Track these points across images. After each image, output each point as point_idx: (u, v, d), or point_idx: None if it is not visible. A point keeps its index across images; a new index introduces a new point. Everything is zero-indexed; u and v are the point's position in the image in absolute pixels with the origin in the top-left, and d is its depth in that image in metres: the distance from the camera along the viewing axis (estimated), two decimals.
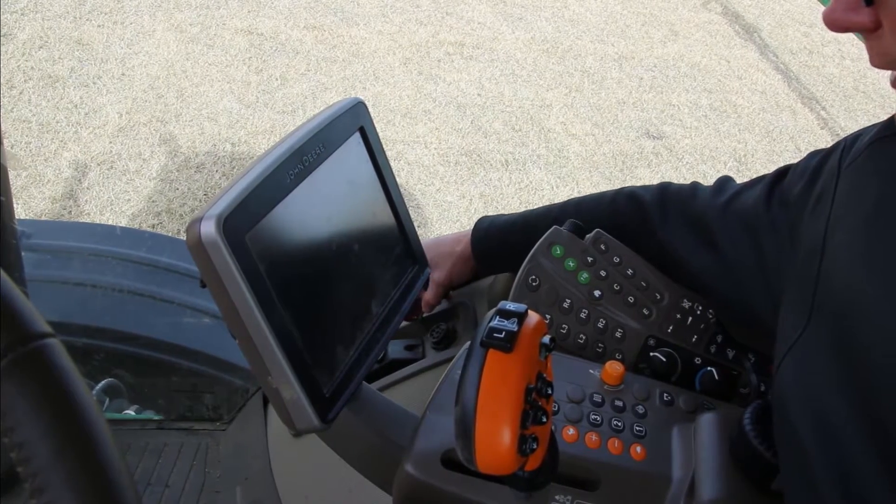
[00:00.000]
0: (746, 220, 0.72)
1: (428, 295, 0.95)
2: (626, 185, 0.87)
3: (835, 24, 0.45)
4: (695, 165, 3.54)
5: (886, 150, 0.55)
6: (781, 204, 0.69)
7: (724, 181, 0.80)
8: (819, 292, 0.54)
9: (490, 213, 0.94)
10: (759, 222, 0.70)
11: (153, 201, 2.71)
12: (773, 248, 0.68)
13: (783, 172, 0.73)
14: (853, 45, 4.65)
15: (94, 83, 3.17)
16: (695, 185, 0.82)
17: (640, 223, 0.81)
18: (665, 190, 0.82)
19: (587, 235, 0.80)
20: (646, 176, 3.39)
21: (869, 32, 0.45)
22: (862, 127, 0.64)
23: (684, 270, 0.79)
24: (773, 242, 0.68)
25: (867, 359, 0.47)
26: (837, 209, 0.57)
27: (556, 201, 0.92)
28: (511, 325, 0.45)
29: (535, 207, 0.91)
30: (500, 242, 0.88)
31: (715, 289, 0.76)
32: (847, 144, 0.63)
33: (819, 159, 0.67)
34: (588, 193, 0.90)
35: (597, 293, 0.77)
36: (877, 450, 0.45)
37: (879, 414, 0.45)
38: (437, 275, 0.93)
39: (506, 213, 0.93)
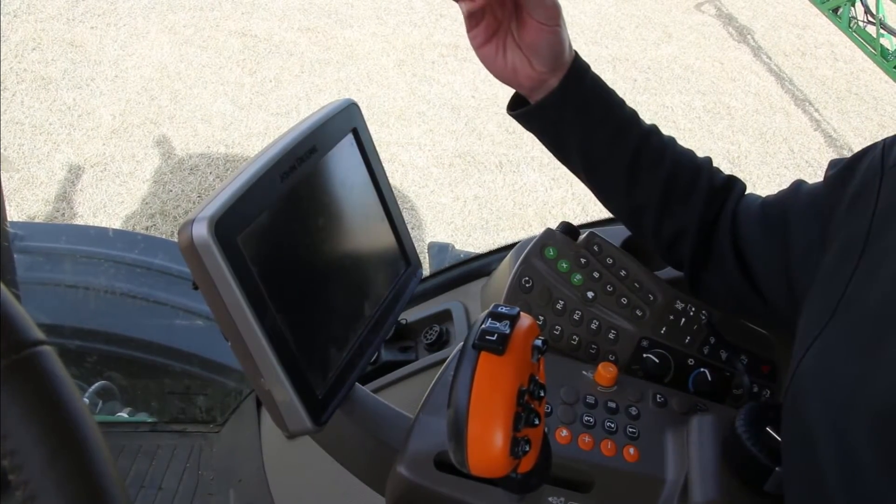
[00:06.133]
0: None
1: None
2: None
3: None
4: None
5: None
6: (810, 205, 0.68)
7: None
8: (850, 290, 0.54)
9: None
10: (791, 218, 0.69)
11: (146, 203, 2.70)
12: (800, 246, 0.67)
13: None
14: (846, 47, 4.67)
15: (88, 85, 3.16)
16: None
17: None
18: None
19: (580, 237, 0.80)
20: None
21: None
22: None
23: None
24: (801, 241, 0.67)
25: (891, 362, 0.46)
26: (883, 208, 0.56)
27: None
28: (503, 327, 0.45)
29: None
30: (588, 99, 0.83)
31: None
32: (888, 143, 0.62)
33: (850, 160, 0.65)
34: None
35: (590, 294, 0.77)
36: (886, 451, 0.45)
37: (894, 416, 0.45)
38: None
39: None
